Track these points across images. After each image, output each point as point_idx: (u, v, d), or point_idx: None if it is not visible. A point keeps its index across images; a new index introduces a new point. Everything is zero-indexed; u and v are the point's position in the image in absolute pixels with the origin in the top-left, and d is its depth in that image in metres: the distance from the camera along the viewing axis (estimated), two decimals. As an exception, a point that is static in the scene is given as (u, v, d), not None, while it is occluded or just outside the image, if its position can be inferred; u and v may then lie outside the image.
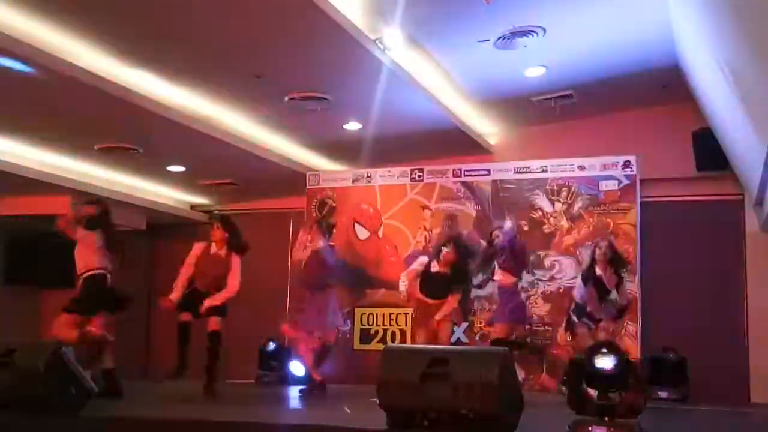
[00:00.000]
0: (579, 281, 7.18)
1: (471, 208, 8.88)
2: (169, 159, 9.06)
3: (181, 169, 9.39)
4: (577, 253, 8.35)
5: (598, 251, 7.01)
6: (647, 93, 8.35)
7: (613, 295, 6.91)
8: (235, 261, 6.73)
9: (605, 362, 4.07)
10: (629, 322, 7.93)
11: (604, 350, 4.16)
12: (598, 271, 6.95)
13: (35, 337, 10.05)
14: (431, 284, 7.31)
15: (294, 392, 7.69)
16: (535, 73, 7.67)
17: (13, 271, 10.69)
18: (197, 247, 6.88)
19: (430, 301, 7.27)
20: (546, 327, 8.31)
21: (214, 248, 6.81)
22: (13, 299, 10.51)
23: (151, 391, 7.60)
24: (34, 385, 4.79)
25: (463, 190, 8.96)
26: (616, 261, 7.03)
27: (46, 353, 4.92)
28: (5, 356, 4.96)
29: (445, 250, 7.27)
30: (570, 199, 8.52)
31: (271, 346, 9.46)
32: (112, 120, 7.49)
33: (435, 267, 7.30)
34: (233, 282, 6.67)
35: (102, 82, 6.50)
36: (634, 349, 7.77)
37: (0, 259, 10.70)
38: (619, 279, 7.00)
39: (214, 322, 6.64)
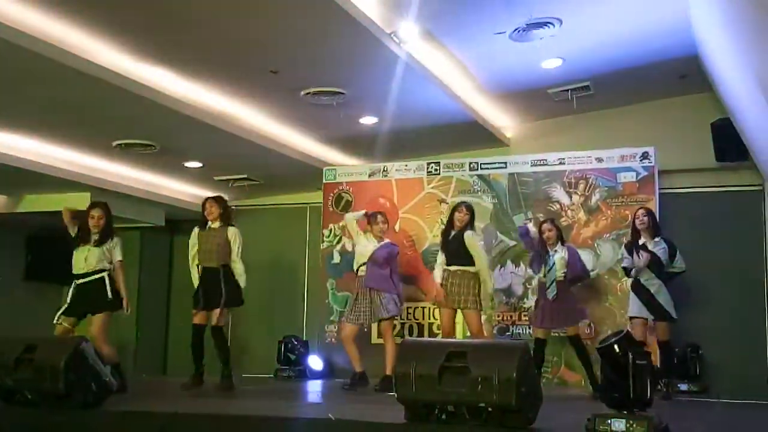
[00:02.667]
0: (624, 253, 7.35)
1: (488, 202, 8.85)
2: (186, 155, 9.10)
3: (198, 165, 9.43)
4: (595, 245, 8.31)
5: (638, 221, 7.24)
6: (665, 83, 8.29)
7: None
8: (232, 232, 7.15)
9: (616, 355, 4.05)
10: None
11: (616, 342, 4.13)
12: (642, 240, 7.19)
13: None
14: (452, 247, 7.32)
15: (313, 386, 7.72)
16: (551, 65, 7.63)
17: (34, 268, 10.82)
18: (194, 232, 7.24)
19: (454, 268, 7.26)
20: (564, 320, 8.25)
21: (210, 225, 7.17)
22: (33, 296, 10.63)
23: (170, 387, 7.65)
24: (55, 381, 4.84)
25: (479, 183, 8.93)
26: (656, 228, 7.28)
27: (67, 349, 4.97)
28: (26, 353, 5.02)
29: (457, 213, 7.37)
30: (588, 191, 8.47)
31: (290, 340, 9.49)
32: (130, 117, 7.53)
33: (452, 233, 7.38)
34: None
35: (120, 79, 6.53)
36: (652, 342, 7.71)
37: (20, 257, 10.81)
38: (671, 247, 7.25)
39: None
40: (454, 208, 7.51)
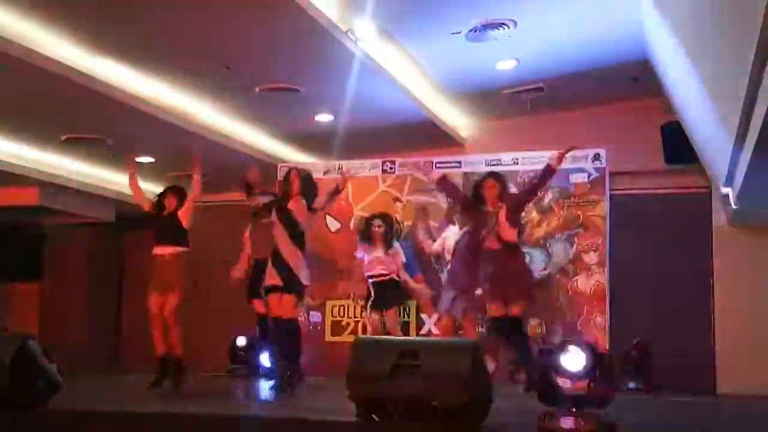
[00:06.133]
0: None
1: (442, 201, 8.88)
2: (137, 150, 8.95)
3: (150, 160, 9.30)
4: (547, 245, 8.41)
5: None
6: (618, 86, 8.41)
7: None
8: None
9: (572, 358, 4.09)
10: (598, 314, 8.01)
11: (572, 345, 4.17)
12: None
13: (1, 330, 9.95)
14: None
15: (265, 385, 7.67)
16: (506, 65, 7.69)
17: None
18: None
19: None
20: (516, 319, 8.33)
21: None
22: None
23: (122, 384, 7.55)
24: (0, 378, 4.73)
25: (434, 182, 8.95)
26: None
27: (13, 347, 4.86)
28: (-31, 349, 4.89)
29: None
30: (540, 191, 8.54)
31: (242, 338, 9.41)
32: (79, 110, 7.39)
33: None
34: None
35: (69, 71, 6.41)
36: (602, 340, 7.83)
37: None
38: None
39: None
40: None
